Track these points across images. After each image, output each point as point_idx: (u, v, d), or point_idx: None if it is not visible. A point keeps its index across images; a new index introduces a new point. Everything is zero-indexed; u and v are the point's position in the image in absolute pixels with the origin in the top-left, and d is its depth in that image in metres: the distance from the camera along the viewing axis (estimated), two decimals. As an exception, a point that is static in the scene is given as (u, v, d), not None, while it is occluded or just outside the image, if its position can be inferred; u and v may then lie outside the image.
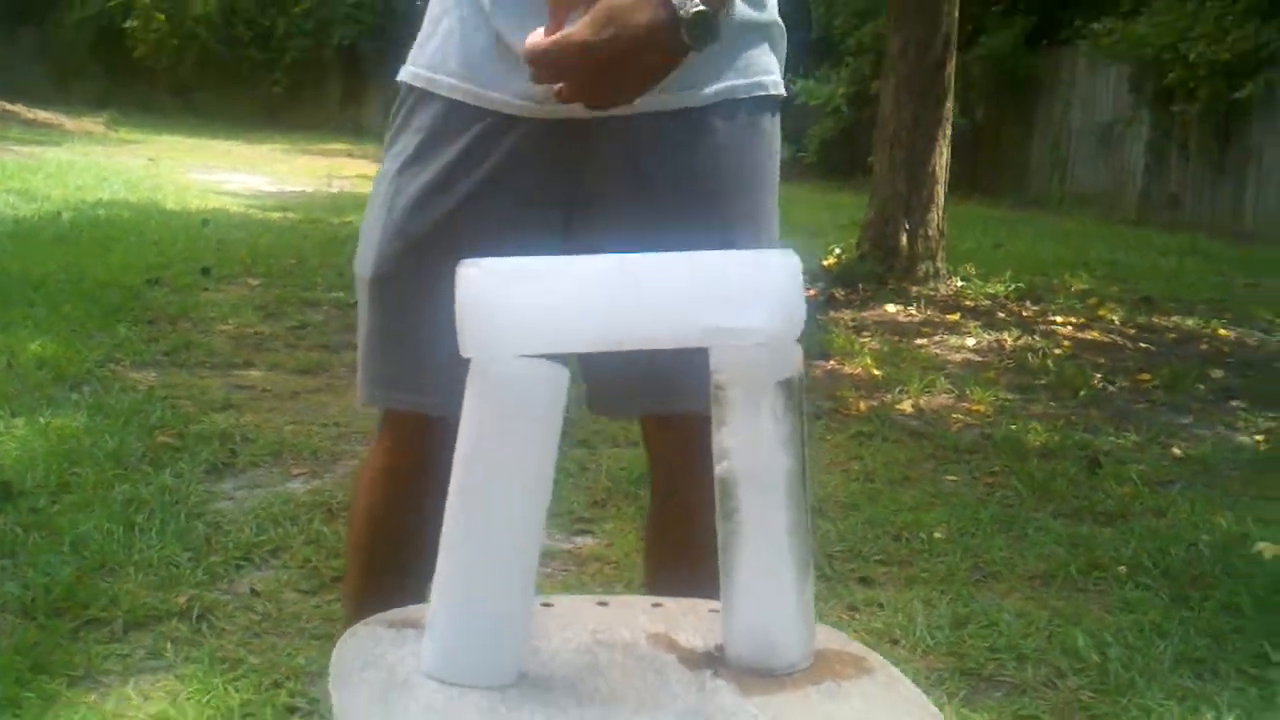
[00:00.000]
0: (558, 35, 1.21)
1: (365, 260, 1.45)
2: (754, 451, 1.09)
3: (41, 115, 17.41)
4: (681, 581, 1.35)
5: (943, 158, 6.45)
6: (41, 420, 3.38)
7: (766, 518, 1.10)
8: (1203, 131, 11.55)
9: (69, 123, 17.07)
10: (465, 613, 1.04)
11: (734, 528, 1.11)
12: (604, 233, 1.35)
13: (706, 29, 1.21)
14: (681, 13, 1.19)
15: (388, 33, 19.27)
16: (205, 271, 6.04)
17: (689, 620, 1.24)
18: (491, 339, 1.02)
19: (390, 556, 1.54)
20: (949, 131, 6.53)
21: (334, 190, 11.46)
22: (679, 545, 1.55)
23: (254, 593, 2.45)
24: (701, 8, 1.20)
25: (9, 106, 17.22)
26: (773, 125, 1.47)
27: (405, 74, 1.43)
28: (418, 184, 1.39)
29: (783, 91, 1.48)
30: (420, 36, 1.44)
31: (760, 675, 1.10)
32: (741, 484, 1.10)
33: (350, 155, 15.57)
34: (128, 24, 22.47)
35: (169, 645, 2.21)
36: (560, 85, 1.22)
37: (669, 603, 1.29)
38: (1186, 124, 11.66)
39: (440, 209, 1.38)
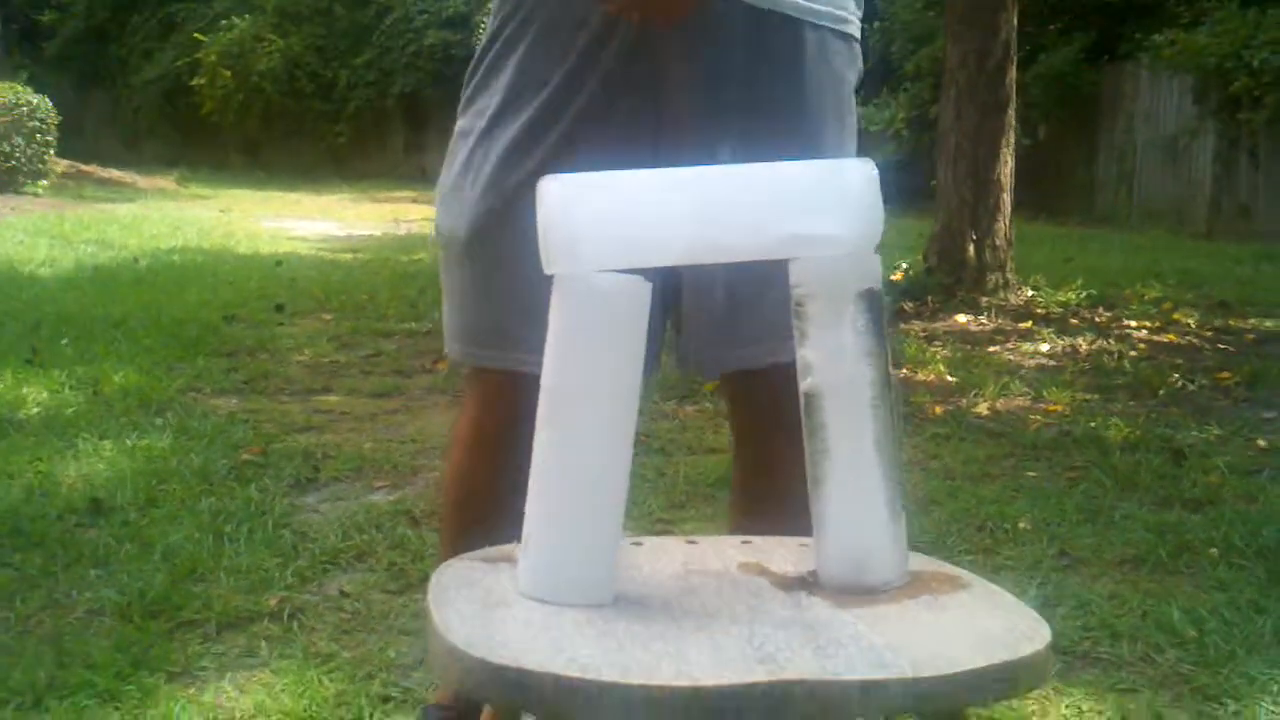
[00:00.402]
0: None
1: (456, 219, 1.47)
2: (837, 365, 1.10)
3: (115, 174, 17.80)
4: (768, 530, 1.36)
5: (1007, 166, 6.40)
6: (128, 443, 3.45)
7: (853, 433, 1.10)
8: (1271, 139, 11.36)
9: (141, 180, 17.43)
10: (559, 530, 1.05)
11: (821, 444, 1.11)
12: (696, 142, 1.37)
13: None
14: None
15: (448, 79, 19.55)
16: (279, 308, 6.14)
17: (780, 552, 1.24)
18: (574, 254, 1.04)
19: (480, 522, 1.55)
20: (1012, 140, 6.48)
21: (401, 232, 11.61)
22: (765, 497, 1.55)
23: (343, 594, 2.48)
24: None
25: (83, 167, 17.61)
26: (856, 60, 1.51)
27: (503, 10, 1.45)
28: (508, 136, 1.42)
29: (858, 33, 1.52)
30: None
31: (856, 593, 1.10)
32: (826, 398, 1.10)
33: (415, 201, 15.73)
34: (194, 82, 22.98)
35: (262, 643, 2.24)
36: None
37: (758, 539, 1.30)
38: (1254, 132, 11.49)
39: (534, 158, 1.40)
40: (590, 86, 1.39)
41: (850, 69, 1.50)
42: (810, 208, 1.07)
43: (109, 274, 7.26)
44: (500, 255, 1.43)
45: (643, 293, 1.04)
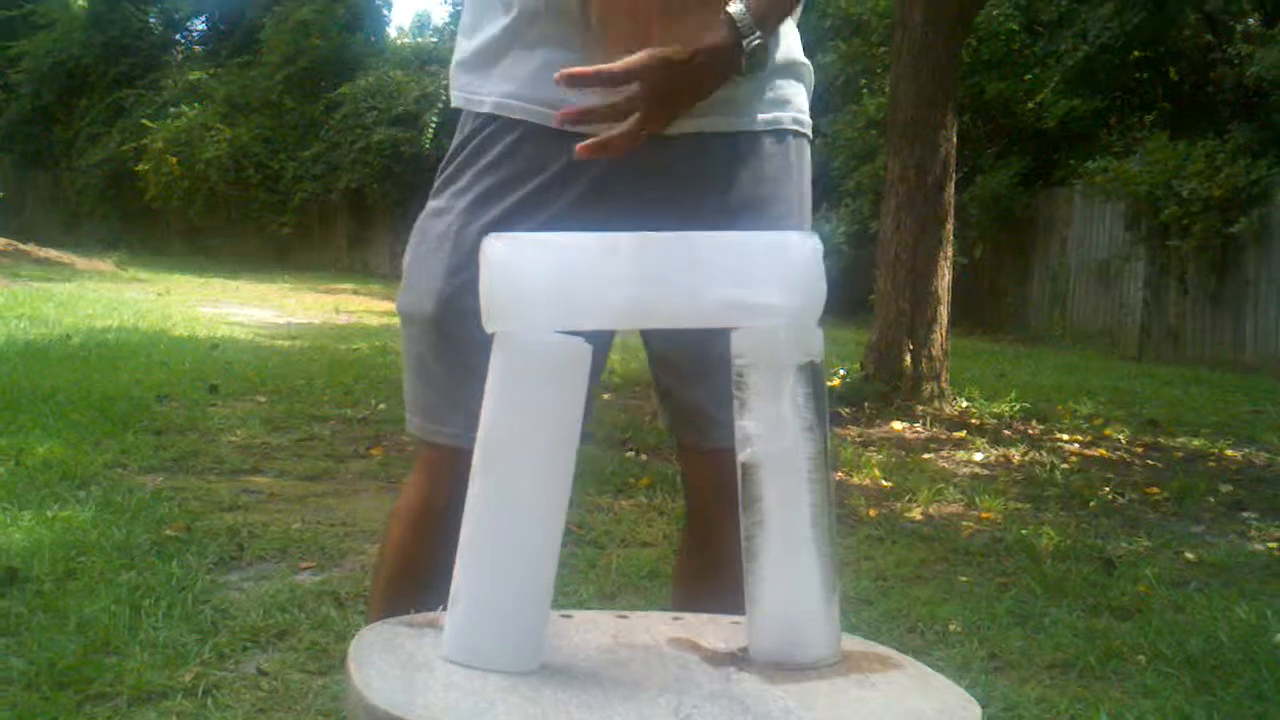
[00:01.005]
0: (636, 58, 1.29)
1: (423, 297, 1.47)
2: (776, 438, 1.09)
3: (52, 254, 17.61)
4: (706, 608, 1.34)
5: (944, 280, 6.51)
6: (48, 514, 3.37)
7: (790, 506, 1.10)
8: (1199, 266, 11.67)
9: (79, 261, 17.26)
10: (487, 588, 1.04)
11: (757, 517, 1.10)
12: None
13: (759, 59, 1.34)
14: (745, 43, 1.32)
15: (395, 176, 19.64)
16: (213, 389, 6.06)
17: (712, 628, 1.23)
18: (514, 313, 1.03)
19: (411, 596, 1.52)
20: (950, 254, 6.60)
21: (341, 321, 11.56)
22: (707, 574, 1.54)
23: (261, 672, 2.42)
24: (761, 39, 1.29)
25: (21, 246, 17.44)
26: (808, 156, 1.58)
27: (486, 105, 1.47)
28: (485, 220, 1.42)
29: (808, 130, 1.57)
30: (478, 67, 1.48)
31: (787, 669, 1.09)
32: (764, 470, 1.10)
33: (356, 292, 15.71)
34: (139, 168, 22.93)
35: (174, 719, 2.17)
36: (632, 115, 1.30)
37: (690, 616, 1.28)
38: (1183, 259, 11.80)
39: (504, 224, 1.41)
40: (574, 191, 1.42)
41: (807, 167, 1.56)
42: (751, 277, 1.07)
43: (40, 349, 7.14)
44: (459, 333, 1.43)
45: (581, 354, 1.04)
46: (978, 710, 1.00)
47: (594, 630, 1.19)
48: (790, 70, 1.53)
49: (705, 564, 1.52)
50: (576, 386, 1.05)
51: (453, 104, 1.53)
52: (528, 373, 1.03)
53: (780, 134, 1.50)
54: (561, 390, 1.04)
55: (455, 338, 1.45)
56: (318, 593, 2.91)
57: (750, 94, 1.45)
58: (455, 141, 1.51)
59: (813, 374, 1.10)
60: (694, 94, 1.33)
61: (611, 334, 1.45)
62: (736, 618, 1.19)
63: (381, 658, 1.03)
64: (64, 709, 2.14)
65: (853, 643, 1.18)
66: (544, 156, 1.43)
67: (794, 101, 1.53)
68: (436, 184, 1.51)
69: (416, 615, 1.16)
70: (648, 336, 1.54)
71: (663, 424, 1.63)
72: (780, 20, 1.41)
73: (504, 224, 1.41)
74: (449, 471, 1.48)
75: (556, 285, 1.04)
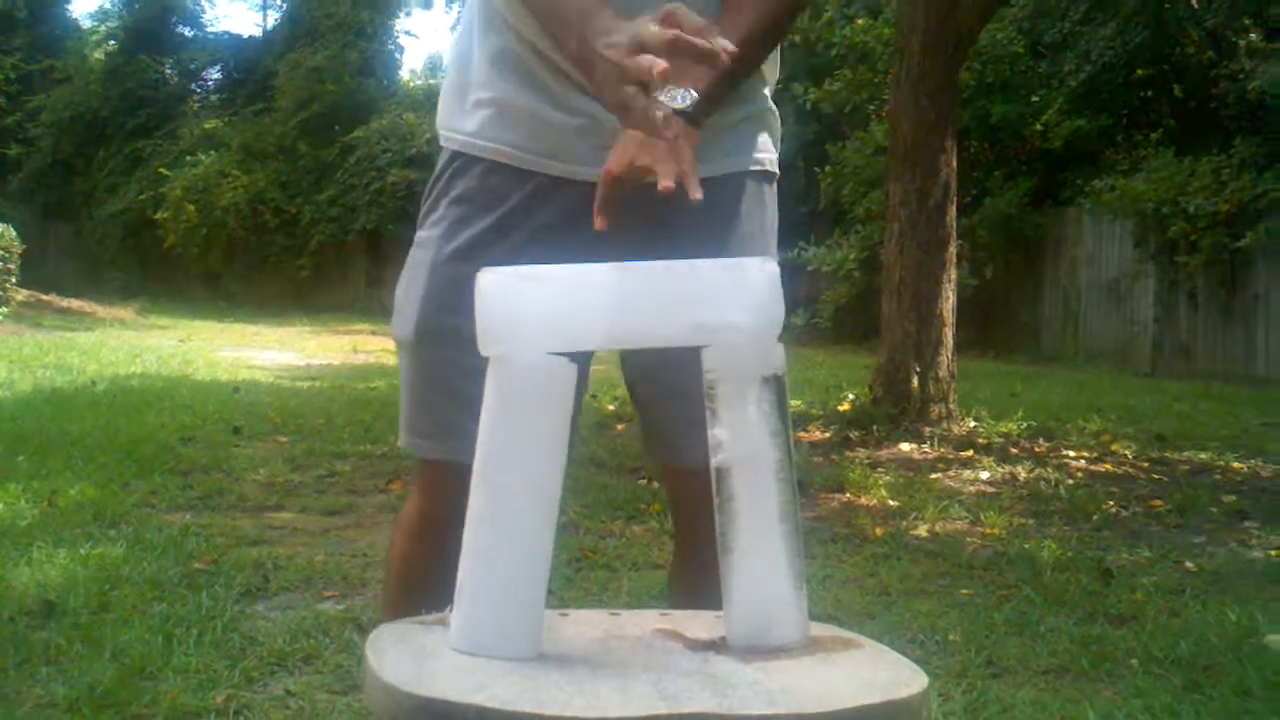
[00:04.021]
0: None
1: (406, 323, 1.61)
2: (744, 443, 1.22)
3: (74, 304, 17.90)
4: (697, 602, 1.47)
5: (949, 302, 6.63)
6: (82, 551, 3.51)
7: (759, 504, 1.22)
8: (1209, 281, 11.77)
9: (101, 310, 17.53)
10: (489, 585, 1.16)
11: (729, 516, 1.23)
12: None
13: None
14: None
15: (410, 216, 19.84)
16: (236, 430, 6.21)
17: (696, 622, 1.35)
18: (507, 338, 1.17)
19: (419, 606, 1.65)
20: (954, 276, 6.72)
21: (359, 361, 11.72)
22: (697, 586, 1.66)
23: (288, 693, 2.54)
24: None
25: (43, 296, 17.73)
26: (771, 193, 1.70)
27: (456, 142, 1.62)
28: (456, 245, 1.57)
29: (776, 169, 1.71)
30: (454, 105, 1.63)
31: (759, 651, 1.21)
32: (734, 473, 1.22)
33: (374, 333, 15.90)
34: (158, 216, 23.23)
35: (208, 738, 2.30)
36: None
37: (677, 613, 1.40)
38: (1192, 274, 11.89)
39: (475, 267, 1.55)
40: (536, 221, 1.55)
41: (770, 203, 1.69)
42: (716, 300, 1.21)
43: (66, 396, 7.32)
44: (438, 354, 1.57)
45: (569, 373, 1.17)
46: (924, 678, 1.12)
47: (588, 626, 1.32)
48: (755, 120, 1.67)
49: (694, 577, 1.64)
50: (565, 402, 1.18)
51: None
52: (521, 391, 1.17)
53: (740, 176, 1.64)
54: (551, 406, 1.17)
55: (432, 360, 1.59)
56: (341, 619, 3.04)
57: (714, 146, 1.58)
58: (434, 173, 1.66)
59: (775, 385, 1.23)
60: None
61: (590, 355, 1.58)
62: (718, 613, 1.32)
63: (396, 648, 1.16)
64: (104, 730, 2.27)
65: (820, 629, 1.30)
66: (506, 189, 1.58)
67: (757, 147, 1.67)
68: (420, 215, 1.66)
69: (427, 615, 1.29)
70: (626, 364, 1.67)
71: (644, 445, 1.75)
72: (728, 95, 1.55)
73: (470, 252, 1.56)
74: (439, 484, 1.61)
75: (545, 312, 1.18)
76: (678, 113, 1.48)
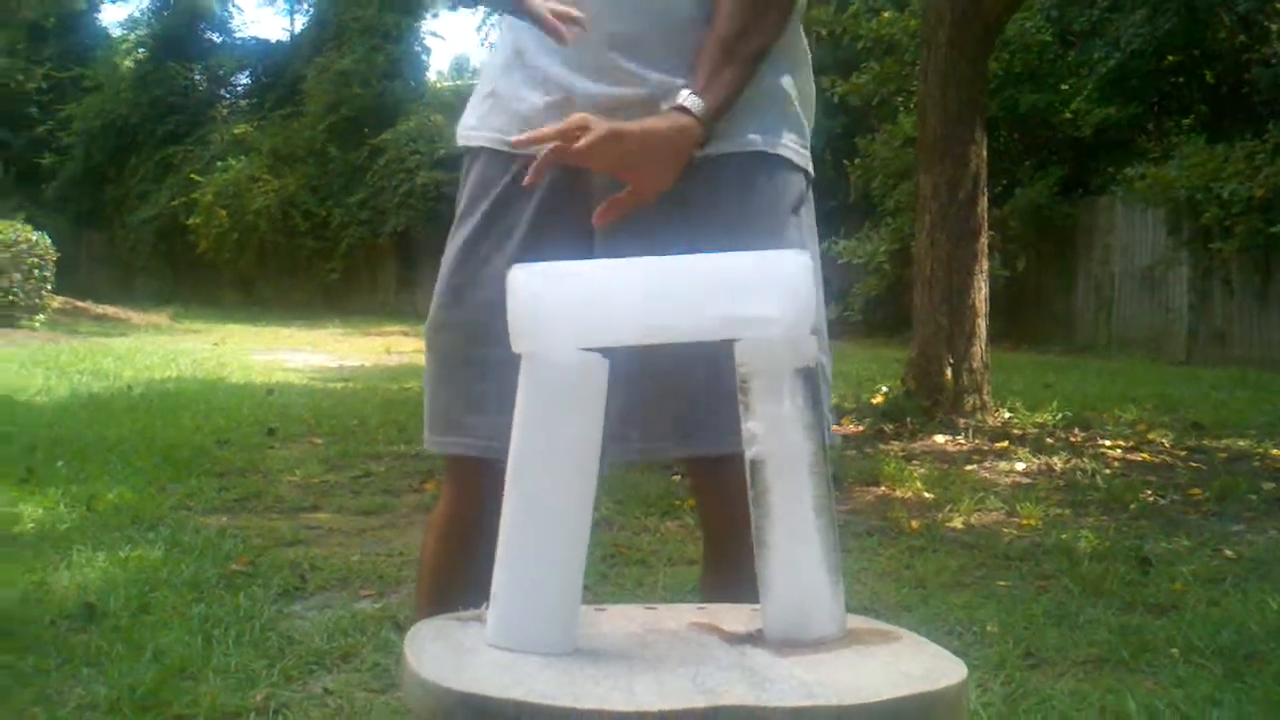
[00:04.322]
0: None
1: (428, 319, 1.62)
2: (779, 436, 1.22)
3: (109, 310, 18.06)
4: (729, 598, 1.46)
5: (981, 293, 6.60)
6: (121, 554, 3.54)
7: (794, 498, 1.22)
8: (1244, 267, 11.66)
9: (135, 316, 17.68)
10: (524, 582, 1.17)
11: (765, 509, 1.23)
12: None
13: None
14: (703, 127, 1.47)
15: (439, 218, 19.94)
16: (271, 432, 6.25)
17: (732, 615, 1.35)
18: (539, 335, 1.17)
19: (452, 606, 1.66)
20: (985, 267, 6.69)
21: (392, 362, 11.77)
22: (731, 577, 1.65)
23: (327, 691, 2.55)
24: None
25: (78, 303, 17.89)
26: (783, 175, 1.60)
27: (461, 138, 1.65)
28: (460, 238, 1.58)
29: (779, 151, 1.60)
30: (470, 112, 1.65)
31: (796, 645, 1.21)
32: (769, 467, 1.22)
33: (406, 334, 15.95)
34: (190, 221, 23.39)
35: (248, 737, 2.32)
36: None
37: (713, 605, 1.40)
38: (1226, 261, 11.78)
39: (479, 255, 1.56)
40: (535, 196, 1.55)
41: (778, 187, 1.62)
42: (749, 293, 1.20)
43: (103, 401, 7.39)
44: (451, 348, 1.58)
45: (600, 369, 1.17)
46: (963, 668, 1.12)
47: (625, 620, 1.32)
48: (781, 100, 1.61)
49: (725, 574, 1.63)
50: (597, 398, 1.18)
51: None
52: (553, 387, 1.16)
53: (744, 158, 1.57)
54: (584, 402, 1.17)
55: (441, 353, 1.60)
56: (378, 618, 3.06)
57: (735, 122, 1.55)
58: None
59: (809, 378, 1.22)
60: (650, 155, 1.46)
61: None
62: (756, 606, 1.31)
63: (433, 644, 1.16)
64: (146, 731, 2.29)
65: (858, 621, 1.30)
66: (495, 177, 1.59)
67: (783, 128, 1.60)
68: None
69: (463, 612, 1.29)
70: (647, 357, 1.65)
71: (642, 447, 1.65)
72: (736, 99, 1.52)
73: (475, 243, 1.57)
74: (460, 481, 1.62)
75: (575, 308, 1.18)
76: (679, 108, 1.47)
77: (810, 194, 1.66)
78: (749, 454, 1.22)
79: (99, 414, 6.70)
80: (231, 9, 30.99)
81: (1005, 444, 6.05)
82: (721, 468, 1.57)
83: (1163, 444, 6.23)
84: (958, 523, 4.41)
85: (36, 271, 14.44)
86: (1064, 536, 4.14)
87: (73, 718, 2.35)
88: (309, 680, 2.63)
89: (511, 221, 1.56)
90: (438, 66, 46.55)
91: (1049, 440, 6.22)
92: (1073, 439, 6.33)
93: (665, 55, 1.52)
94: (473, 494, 1.61)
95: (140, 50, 28.92)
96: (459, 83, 26.34)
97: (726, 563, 1.64)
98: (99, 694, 2.44)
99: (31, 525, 3.93)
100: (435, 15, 25.42)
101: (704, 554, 1.80)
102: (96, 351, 11.13)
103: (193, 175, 24.08)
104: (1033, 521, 4.41)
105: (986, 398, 6.66)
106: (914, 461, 5.61)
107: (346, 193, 22.88)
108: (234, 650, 2.73)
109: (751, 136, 1.57)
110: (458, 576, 1.62)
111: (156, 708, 2.40)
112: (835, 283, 14.90)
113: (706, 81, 1.48)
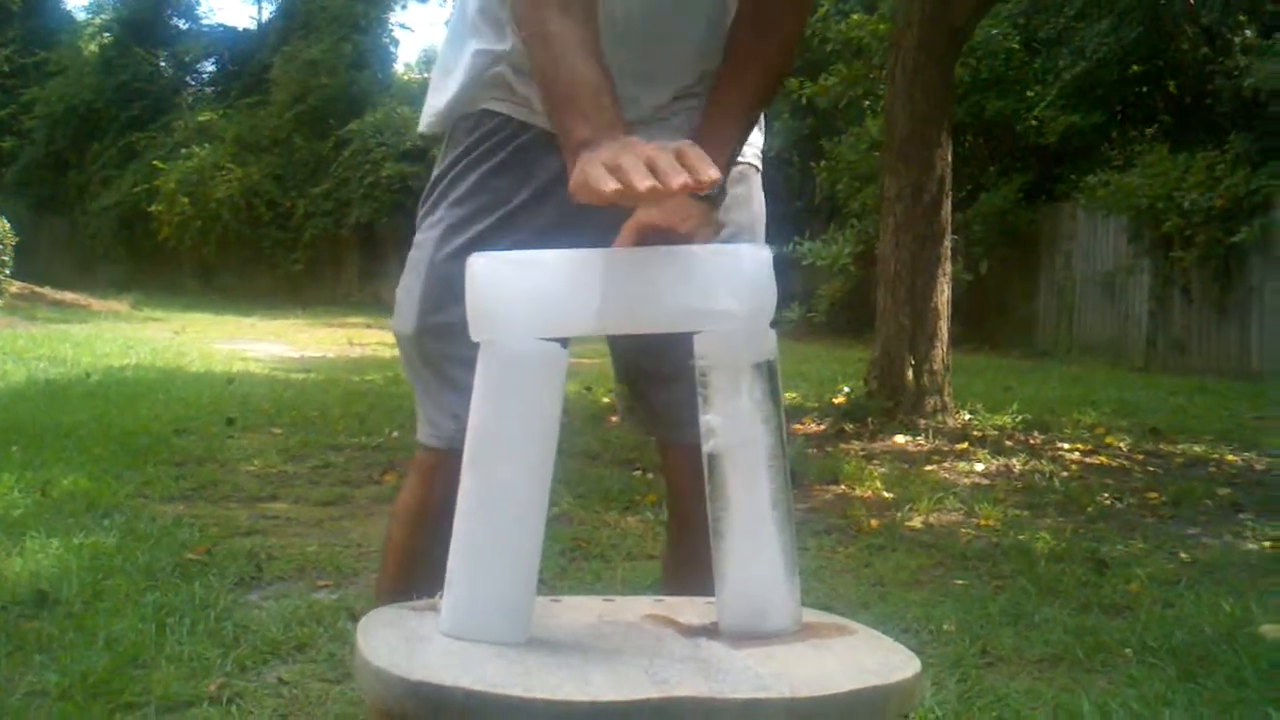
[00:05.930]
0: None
1: (405, 319, 1.61)
2: (736, 430, 1.21)
3: (69, 296, 17.87)
4: (690, 593, 1.46)
5: (944, 295, 6.63)
6: (75, 541, 3.50)
7: (751, 491, 1.22)
8: (1203, 276, 11.76)
9: (95, 303, 17.51)
10: (478, 569, 1.16)
11: (721, 502, 1.22)
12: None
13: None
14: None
15: (404, 210, 19.85)
16: (230, 422, 6.20)
17: (688, 608, 1.35)
18: (498, 323, 1.16)
19: (410, 584, 1.65)
20: (949, 270, 6.72)
21: (355, 354, 11.71)
22: (692, 565, 1.66)
23: (281, 681, 2.54)
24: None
25: (36, 289, 17.70)
26: (757, 185, 1.71)
27: (426, 125, 1.65)
28: (457, 243, 1.58)
29: (759, 163, 1.73)
30: (432, 94, 1.64)
31: (752, 638, 1.21)
32: (726, 460, 1.22)
33: (369, 326, 15.89)
34: (152, 209, 23.19)
35: (200, 726, 2.29)
36: None
37: (670, 598, 1.40)
38: (1186, 270, 11.89)
39: (469, 250, 1.55)
40: (548, 212, 1.54)
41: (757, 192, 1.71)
42: (709, 286, 1.20)
43: (60, 387, 7.31)
44: (435, 348, 1.57)
45: (558, 357, 1.17)
46: (917, 663, 1.12)
47: (581, 611, 1.31)
48: None
49: (686, 553, 1.64)
50: (555, 386, 1.17)
51: None
52: (511, 375, 1.16)
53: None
54: (542, 390, 1.17)
55: (425, 352, 1.60)
56: (335, 609, 3.04)
57: None
58: (441, 167, 1.69)
59: (768, 372, 1.22)
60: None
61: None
62: (711, 598, 1.31)
63: (385, 632, 1.15)
64: (97, 718, 2.26)
65: (813, 615, 1.30)
66: (529, 172, 1.60)
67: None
68: (420, 213, 1.68)
69: (418, 601, 1.28)
70: (619, 344, 1.67)
71: (629, 425, 1.76)
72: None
73: (478, 243, 1.57)
74: (436, 471, 1.61)
75: (534, 297, 1.17)
76: (698, 196, 1.48)
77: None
78: (706, 447, 1.22)
79: (55, 400, 6.63)
80: (198, -5, 30.73)
81: (965, 445, 6.08)
82: (693, 452, 1.59)
83: (1120, 448, 6.28)
84: (917, 522, 4.43)
85: (-6, 257, 14.30)
86: (1021, 537, 4.16)
87: (23, 705, 2.32)
88: (263, 670, 2.61)
89: (518, 239, 1.56)
90: (405, 58, 46.38)
91: (1008, 442, 6.26)
92: (1032, 441, 6.37)
93: (666, 80, 1.59)
94: (438, 483, 1.61)
95: (105, 35, 28.63)
96: (426, 75, 26.20)
97: (691, 549, 1.65)
98: (50, 681, 2.41)
99: (-16, 511, 3.89)
100: (404, 7, 25.29)
101: (668, 540, 1.80)
102: (54, 338, 11.02)
103: (156, 162, 23.86)
104: (991, 522, 4.44)
105: (947, 399, 6.70)
106: (874, 461, 5.64)
107: (311, 183, 22.76)
108: (188, 639, 2.71)
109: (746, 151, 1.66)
110: (430, 566, 1.61)
111: (108, 695, 2.37)
112: (800, 284, 14.99)
113: (726, 162, 1.50)
